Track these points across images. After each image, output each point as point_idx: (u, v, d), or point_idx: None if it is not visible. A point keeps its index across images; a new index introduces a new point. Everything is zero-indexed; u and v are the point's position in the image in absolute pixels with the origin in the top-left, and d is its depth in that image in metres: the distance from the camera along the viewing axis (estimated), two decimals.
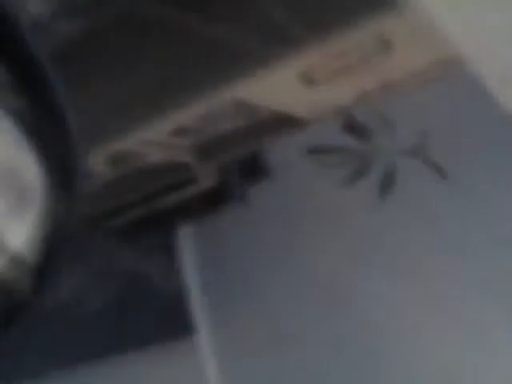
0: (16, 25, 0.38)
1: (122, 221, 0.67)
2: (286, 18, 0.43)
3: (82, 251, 0.66)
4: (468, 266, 0.69)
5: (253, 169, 0.68)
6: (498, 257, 0.68)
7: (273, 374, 0.77)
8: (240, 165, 0.66)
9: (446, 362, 0.70)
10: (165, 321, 0.85)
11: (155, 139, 0.54)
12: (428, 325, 0.71)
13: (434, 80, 0.53)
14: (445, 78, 0.54)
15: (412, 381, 0.72)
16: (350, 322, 0.74)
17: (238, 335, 0.80)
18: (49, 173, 0.39)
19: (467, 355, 0.69)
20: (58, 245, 0.40)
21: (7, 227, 0.38)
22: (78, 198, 0.42)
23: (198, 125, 0.54)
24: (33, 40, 0.39)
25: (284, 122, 0.56)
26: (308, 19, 0.44)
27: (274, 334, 0.77)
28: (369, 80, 0.50)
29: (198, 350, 0.80)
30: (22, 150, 0.39)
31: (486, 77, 0.42)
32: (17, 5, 0.39)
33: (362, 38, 0.45)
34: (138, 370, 0.76)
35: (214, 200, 0.65)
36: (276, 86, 0.49)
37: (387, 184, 0.71)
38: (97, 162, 0.54)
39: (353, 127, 0.70)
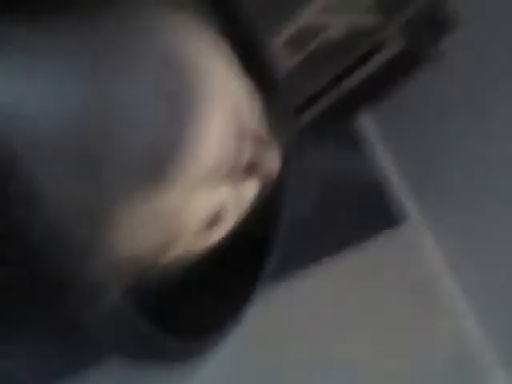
0: None
1: (310, 116, 0.62)
2: None
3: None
4: None
5: (440, 20, 0.59)
6: None
7: None
8: (425, 18, 0.58)
9: None
10: (370, 215, 0.82)
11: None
12: None
13: None
14: None
15: None
16: None
17: None
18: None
19: None
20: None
21: None
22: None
23: None
24: None
25: None
26: None
27: None
28: None
29: None
30: None
31: None
32: None
33: None
34: None
35: (405, 66, 0.58)
36: None
37: None
38: (279, 50, 0.48)
39: None
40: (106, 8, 0.32)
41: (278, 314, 0.66)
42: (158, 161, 0.31)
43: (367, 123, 0.76)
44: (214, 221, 0.35)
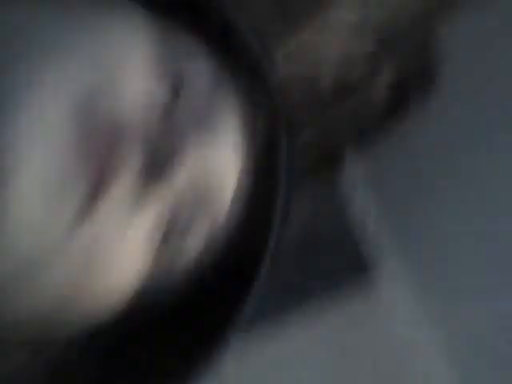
0: None
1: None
2: None
3: None
4: None
5: (429, 68, 0.58)
6: None
7: None
8: (416, 64, 0.56)
9: None
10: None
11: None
12: None
13: None
14: None
15: None
16: None
17: None
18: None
19: None
20: None
21: None
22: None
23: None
24: None
25: None
26: None
27: None
28: None
29: None
30: None
31: None
32: None
33: None
34: None
35: (393, 107, 0.56)
36: None
37: None
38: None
39: None
40: None
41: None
42: None
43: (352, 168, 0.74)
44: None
